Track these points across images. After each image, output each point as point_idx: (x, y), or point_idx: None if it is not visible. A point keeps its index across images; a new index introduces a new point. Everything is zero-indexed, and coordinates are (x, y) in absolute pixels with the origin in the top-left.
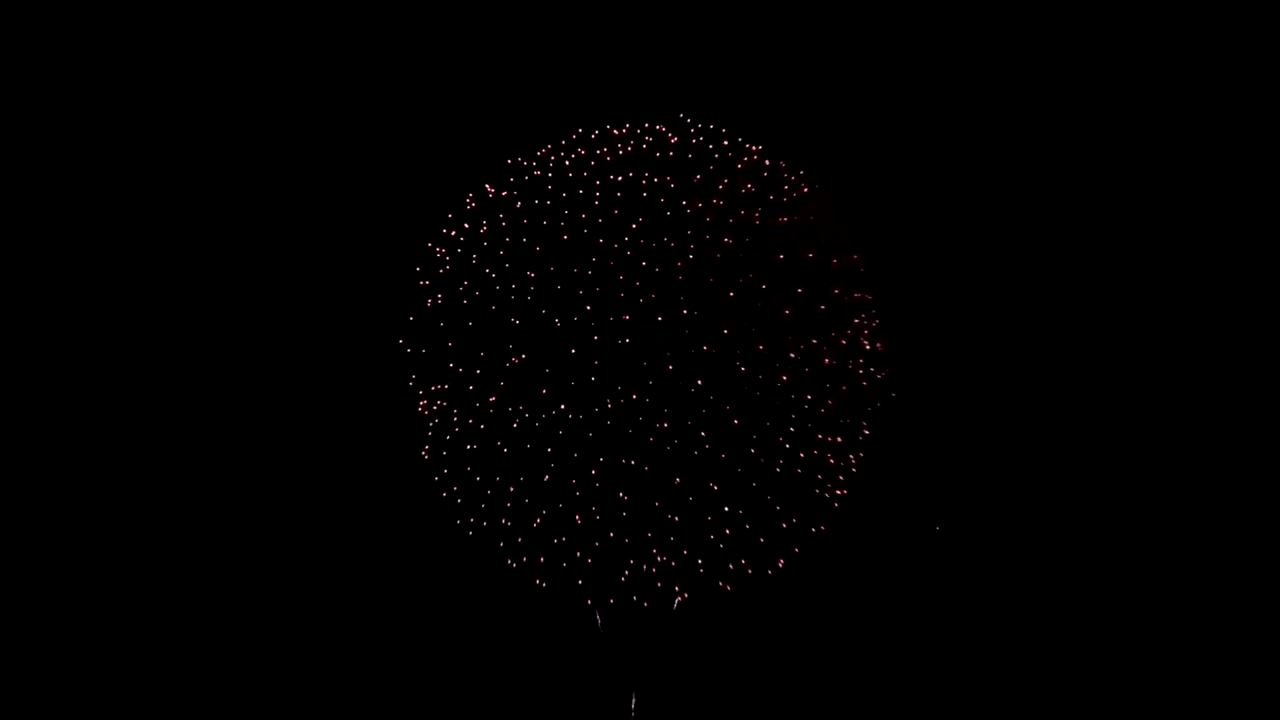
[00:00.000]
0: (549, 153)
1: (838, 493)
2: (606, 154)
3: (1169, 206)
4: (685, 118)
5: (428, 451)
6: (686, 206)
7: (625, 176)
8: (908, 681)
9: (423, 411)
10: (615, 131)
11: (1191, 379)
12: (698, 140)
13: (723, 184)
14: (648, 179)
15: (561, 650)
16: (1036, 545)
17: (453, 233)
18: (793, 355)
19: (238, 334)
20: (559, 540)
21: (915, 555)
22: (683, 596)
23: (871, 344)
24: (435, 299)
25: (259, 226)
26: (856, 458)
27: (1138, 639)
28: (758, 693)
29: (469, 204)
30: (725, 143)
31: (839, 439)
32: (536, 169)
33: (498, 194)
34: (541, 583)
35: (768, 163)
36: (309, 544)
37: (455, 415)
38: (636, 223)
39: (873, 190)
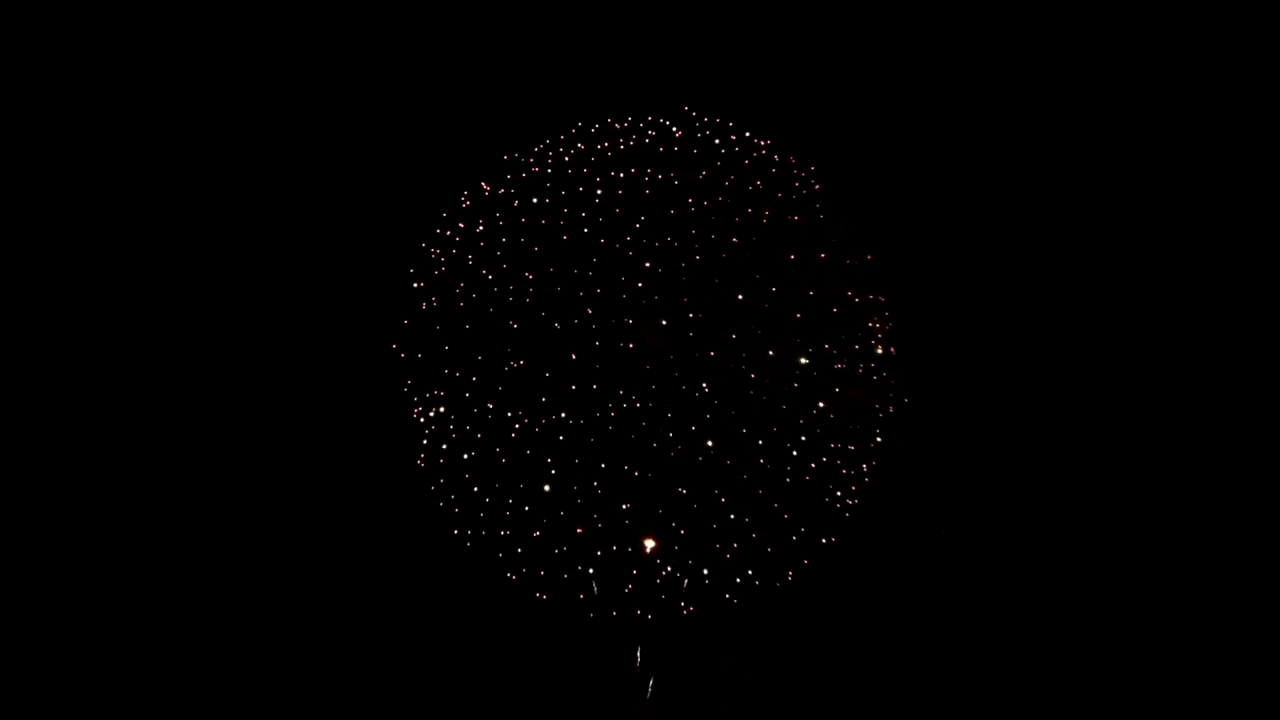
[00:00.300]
0: (547, 148)
1: (849, 502)
2: (607, 149)
3: (1191, 207)
4: (690, 111)
5: (423, 460)
6: (691, 204)
7: (627, 173)
8: (919, 700)
9: (417, 418)
10: (616, 126)
11: (1210, 383)
12: (703, 135)
13: (729, 181)
14: (650, 175)
15: (562, 665)
16: (1053, 555)
17: (447, 232)
18: (803, 360)
19: (221, 338)
20: (560, 551)
21: (929, 568)
22: (689, 609)
23: (885, 348)
24: (429, 302)
25: (241, 228)
26: (869, 466)
27: (1150, 647)
28: (765, 709)
29: (463, 202)
30: (732, 137)
31: (850, 446)
32: (534, 165)
33: (494, 192)
34: (542, 596)
35: (777, 158)
36: (299, 555)
37: (451, 422)
38: (639, 221)
39: (887, 188)
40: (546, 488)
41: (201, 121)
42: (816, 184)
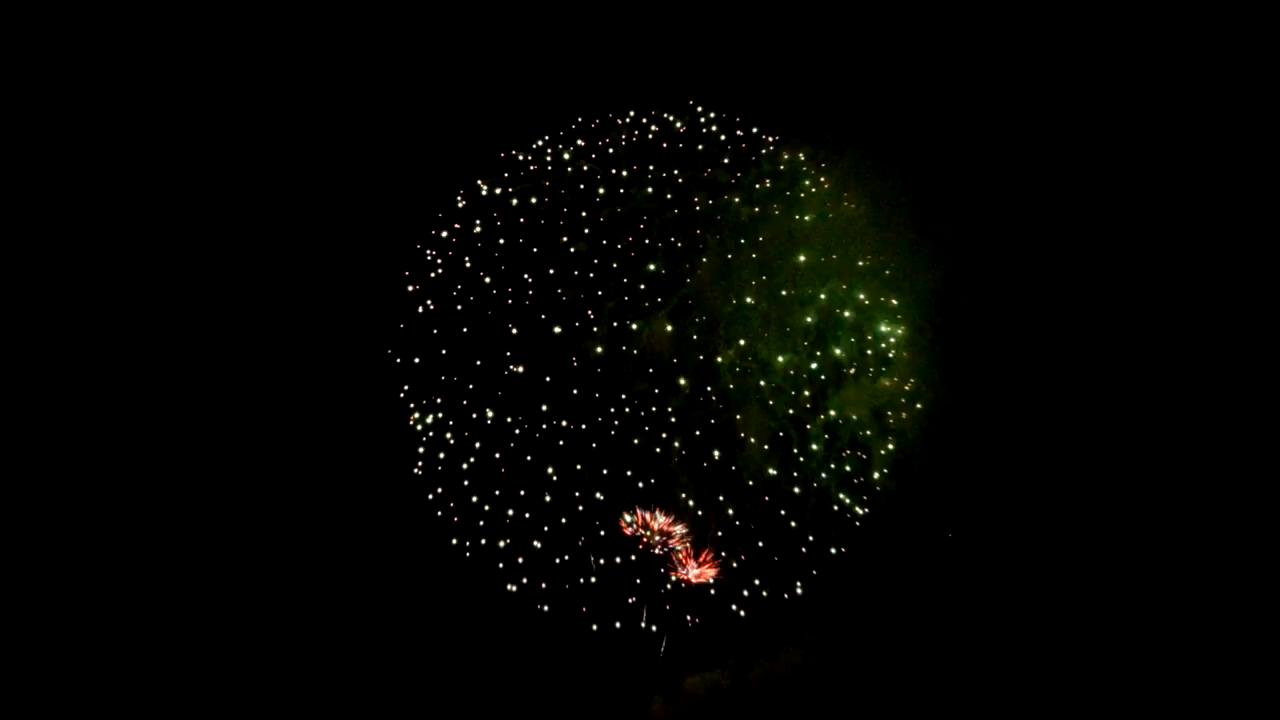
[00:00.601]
0: (546, 145)
1: (860, 511)
2: (609, 146)
3: (1197, 210)
4: (695, 105)
5: (421, 468)
6: (696, 203)
7: (630, 170)
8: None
9: (414, 425)
10: (619, 121)
11: (1226, 393)
12: (709, 130)
13: (735, 178)
14: (654, 173)
15: (564, 681)
16: (1068, 570)
17: (443, 234)
18: (814, 365)
19: (210, 343)
20: (561, 561)
21: (943, 581)
22: (694, 621)
23: (898, 353)
24: (426, 305)
25: (229, 229)
26: (881, 474)
27: (1155, 652)
28: None
29: (459, 202)
30: (739, 133)
31: (862, 455)
32: (532, 163)
33: (491, 191)
34: (543, 608)
35: (786, 155)
36: (293, 568)
37: (449, 429)
38: (642, 221)
39: (904, 186)
40: (548, 497)
41: (185, 122)
42: (826, 181)
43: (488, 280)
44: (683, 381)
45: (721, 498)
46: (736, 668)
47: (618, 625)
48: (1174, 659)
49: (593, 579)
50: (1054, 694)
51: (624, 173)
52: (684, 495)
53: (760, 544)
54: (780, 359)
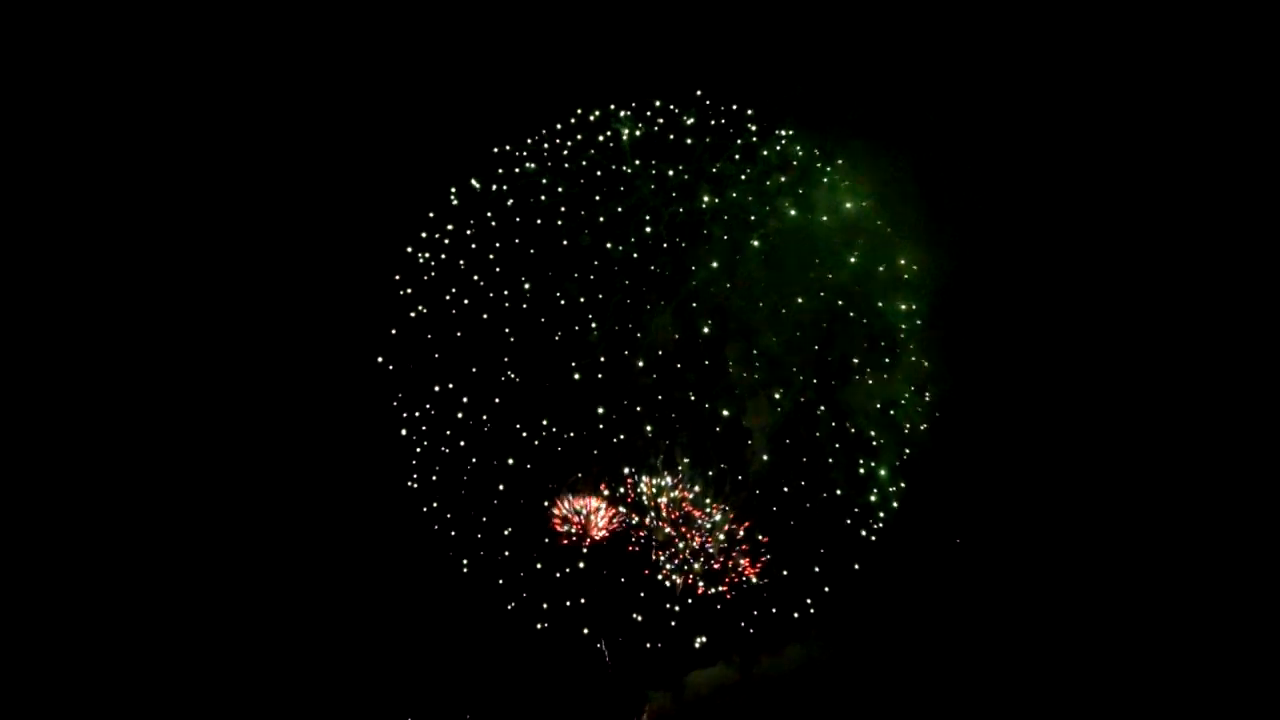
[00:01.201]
0: (542, 140)
1: (874, 525)
2: (609, 140)
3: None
4: (703, 98)
5: (415, 480)
6: (705, 202)
7: (632, 166)
8: None
9: (408, 435)
10: (621, 113)
11: (1246, 387)
12: (717, 123)
13: (745, 175)
14: (657, 169)
15: (566, 702)
16: (1077, 574)
17: (435, 234)
18: (824, 369)
19: (190, 351)
20: (561, 574)
21: (950, 581)
22: (703, 640)
23: (919, 360)
24: (418, 310)
25: (209, 231)
26: (898, 488)
27: (1180, 669)
28: None
29: (453, 201)
30: (750, 126)
31: (879, 467)
32: (528, 159)
33: (485, 189)
34: (543, 625)
35: (800, 151)
36: (283, 585)
37: (445, 439)
38: (645, 220)
39: (925, 184)
40: (547, 508)
41: (163, 118)
42: (838, 176)
43: (483, 283)
44: (693, 397)
45: (728, 508)
46: (741, 664)
47: (621, 639)
48: (1191, 665)
49: (597, 594)
50: (1060, 696)
51: (626, 168)
52: (689, 502)
53: (768, 557)
54: (787, 356)
